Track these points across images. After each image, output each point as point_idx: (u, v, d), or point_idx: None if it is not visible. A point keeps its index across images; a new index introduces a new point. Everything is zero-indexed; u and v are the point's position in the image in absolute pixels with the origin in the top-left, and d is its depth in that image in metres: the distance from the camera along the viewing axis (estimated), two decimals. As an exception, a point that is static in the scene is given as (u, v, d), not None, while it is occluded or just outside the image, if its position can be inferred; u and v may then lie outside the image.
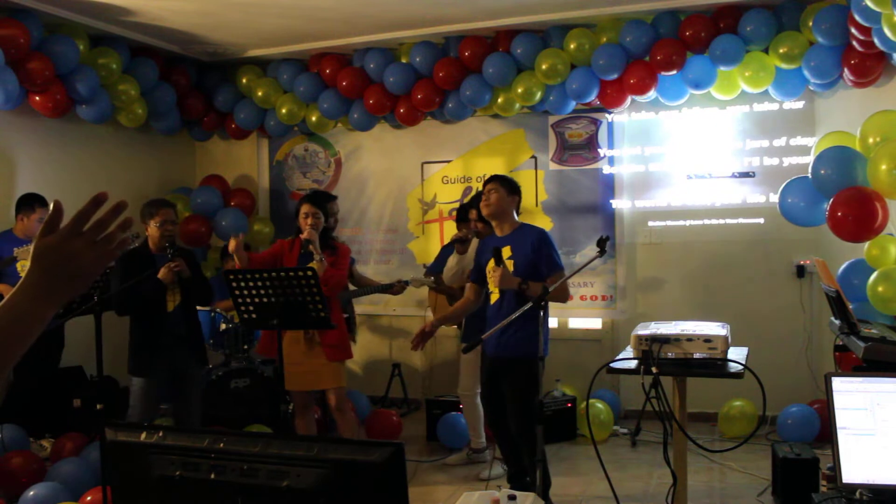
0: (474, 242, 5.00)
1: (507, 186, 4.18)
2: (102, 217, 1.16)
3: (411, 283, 5.63)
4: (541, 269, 4.01)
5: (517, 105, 6.23)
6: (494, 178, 4.27)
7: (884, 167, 4.29)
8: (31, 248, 1.15)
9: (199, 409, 4.73)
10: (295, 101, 6.70)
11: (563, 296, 4.01)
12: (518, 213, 4.27)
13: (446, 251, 5.62)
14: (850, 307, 3.55)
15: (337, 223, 4.70)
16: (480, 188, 4.27)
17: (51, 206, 1.16)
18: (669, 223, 6.22)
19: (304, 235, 4.49)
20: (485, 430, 5.17)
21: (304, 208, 4.53)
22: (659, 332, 3.37)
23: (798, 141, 5.83)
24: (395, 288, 5.61)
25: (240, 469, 1.24)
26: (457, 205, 6.69)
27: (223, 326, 5.65)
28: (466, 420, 5.30)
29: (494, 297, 4.15)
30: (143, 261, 4.41)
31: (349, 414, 4.66)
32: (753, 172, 5.94)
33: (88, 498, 3.99)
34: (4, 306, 1.12)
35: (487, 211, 4.18)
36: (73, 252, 1.13)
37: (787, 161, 5.85)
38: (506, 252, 4.04)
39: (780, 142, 5.89)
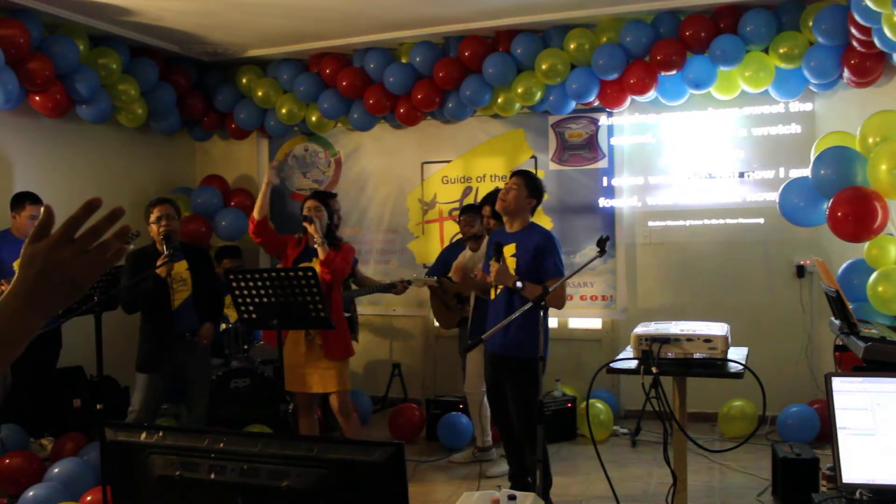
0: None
1: (529, 187, 4.14)
2: (96, 225, 1.08)
3: (414, 282, 5.61)
4: (540, 273, 4.00)
5: (517, 105, 6.22)
6: (520, 174, 4.22)
7: (884, 167, 4.29)
8: (21, 252, 1.09)
9: (204, 409, 4.68)
10: (295, 101, 6.69)
11: (558, 302, 3.91)
12: (532, 214, 4.23)
13: (447, 253, 5.61)
14: (850, 307, 3.55)
15: (341, 220, 4.74)
16: (482, 187, 4.26)
17: (42, 210, 1.09)
18: (669, 223, 6.22)
19: (306, 213, 4.50)
20: (491, 429, 5.17)
21: (309, 203, 4.57)
22: (659, 331, 3.37)
23: (797, 141, 5.82)
24: (398, 288, 5.56)
25: (240, 469, 1.24)
26: (456, 205, 6.69)
27: (223, 326, 5.65)
28: (472, 419, 5.30)
29: (495, 292, 4.15)
30: (150, 259, 4.43)
31: (353, 418, 4.59)
32: (750, 173, 5.94)
33: (88, 498, 3.99)
34: None
35: (502, 206, 4.14)
36: (61, 260, 1.06)
37: (786, 161, 5.85)
38: (510, 249, 4.05)
39: (779, 142, 5.89)
